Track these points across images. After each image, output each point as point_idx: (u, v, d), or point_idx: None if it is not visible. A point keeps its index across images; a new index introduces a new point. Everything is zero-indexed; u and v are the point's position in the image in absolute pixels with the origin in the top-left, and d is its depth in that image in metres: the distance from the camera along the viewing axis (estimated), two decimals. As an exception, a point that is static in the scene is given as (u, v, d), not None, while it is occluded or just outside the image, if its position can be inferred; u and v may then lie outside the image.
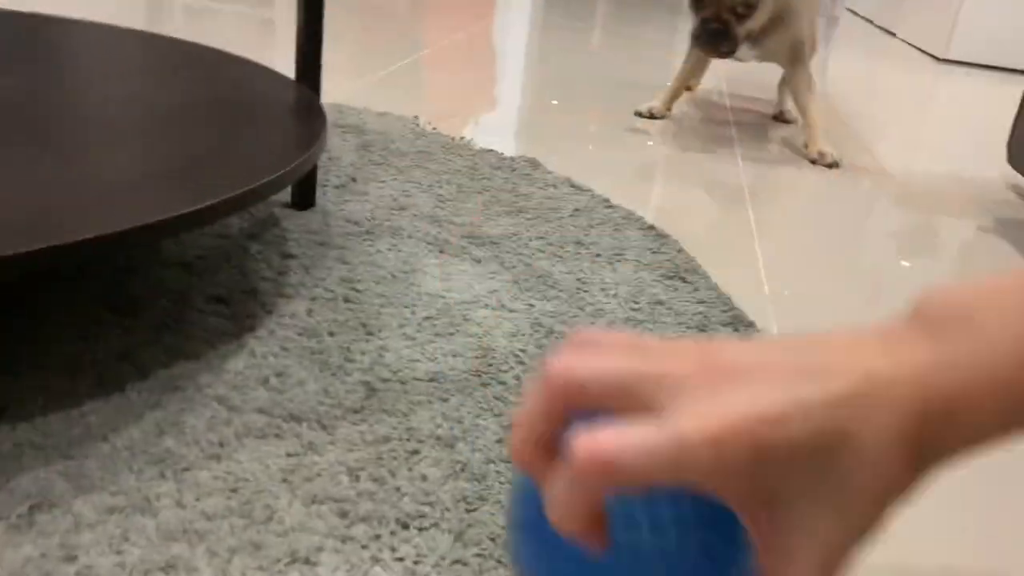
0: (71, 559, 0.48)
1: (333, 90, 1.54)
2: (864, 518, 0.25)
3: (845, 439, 0.24)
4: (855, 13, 4.45)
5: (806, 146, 1.55)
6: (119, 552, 0.49)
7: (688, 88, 1.88)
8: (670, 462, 0.23)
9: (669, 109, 1.67)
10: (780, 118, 1.79)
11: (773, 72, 1.82)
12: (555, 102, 1.74)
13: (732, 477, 0.24)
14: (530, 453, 0.27)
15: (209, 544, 0.51)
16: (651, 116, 1.65)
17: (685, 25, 3.06)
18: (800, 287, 1.01)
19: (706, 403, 0.24)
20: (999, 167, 1.64)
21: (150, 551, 0.49)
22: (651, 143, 1.53)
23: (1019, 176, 1.60)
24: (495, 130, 1.46)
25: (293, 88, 0.94)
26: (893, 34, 3.58)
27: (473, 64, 1.99)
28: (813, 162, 1.52)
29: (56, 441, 0.57)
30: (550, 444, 0.26)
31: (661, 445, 0.23)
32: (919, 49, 3.17)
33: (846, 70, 2.69)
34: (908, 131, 1.99)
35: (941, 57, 2.93)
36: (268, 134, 0.81)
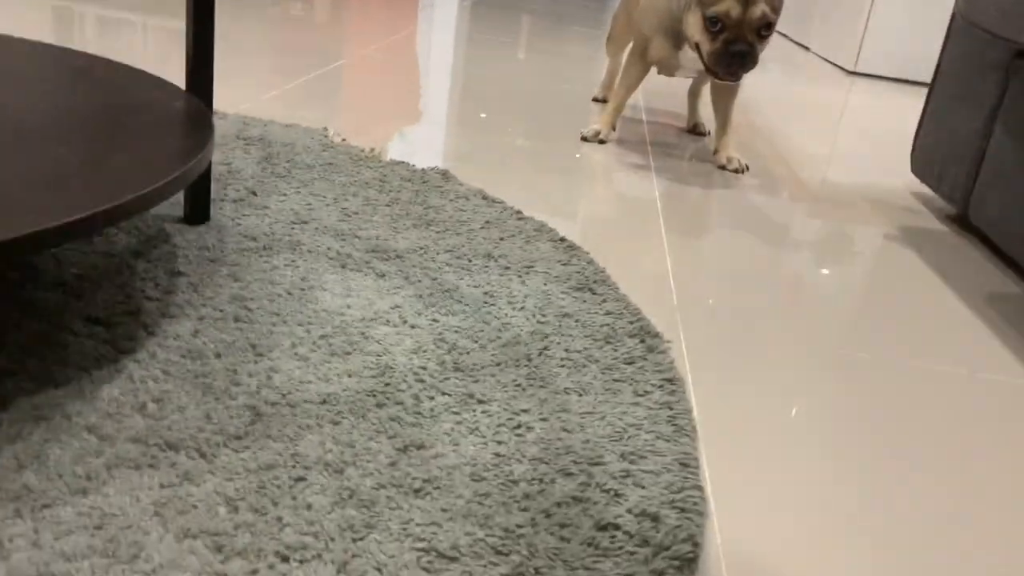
0: (-97, 612, 0.44)
1: (240, 102, 1.49)
2: None
3: None
4: (770, 28, 4.55)
5: (715, 152, 1.57)
6: (-40, 602, 0.45)
7: (697, 131, 1.84)
8: None
9: (613, 129, 1.63)
10: (694, 131, 1.81)
11: (685, 87, 1.84)
12: (483, 115, 1.72)
13: None
14: None
15: (65, 588, 0.46)
16: (599, 141, 1.60)
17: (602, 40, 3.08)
18: (708, 297, 1.01)
19: None
20: (903, 176, 1.69)
21: (-4, 599, 0.45)
22: (573, 155, 1.52)
23: (921, 184, 1.64)
24: (408, 143, 1.43)
25: (182, 97, 0.90)
26: (808, 48, 3.68)
27: (390, 76, 1.96)
28: (722, 167, 1.54)
29: (-102, 480, 0.52)
30: None
31: None
32: (831, 63, 3.27)
33: (763, 82, 2.75)
34: (821, 142, 2.03)
35: (851, 70, 3.02)
36: (152, 144, 0.77)
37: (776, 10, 1.38)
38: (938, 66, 1.51)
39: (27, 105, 0.82)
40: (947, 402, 0.84)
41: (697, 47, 1.42)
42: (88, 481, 0.54)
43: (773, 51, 3.62)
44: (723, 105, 1.58)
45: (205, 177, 0.92)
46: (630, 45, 1.63)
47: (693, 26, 1.41)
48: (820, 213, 1.40)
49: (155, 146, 0.76)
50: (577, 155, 1.52)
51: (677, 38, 1.48)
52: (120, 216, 0.64)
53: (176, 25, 2.13)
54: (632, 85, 1.61)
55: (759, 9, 1.35)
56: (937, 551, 0.62)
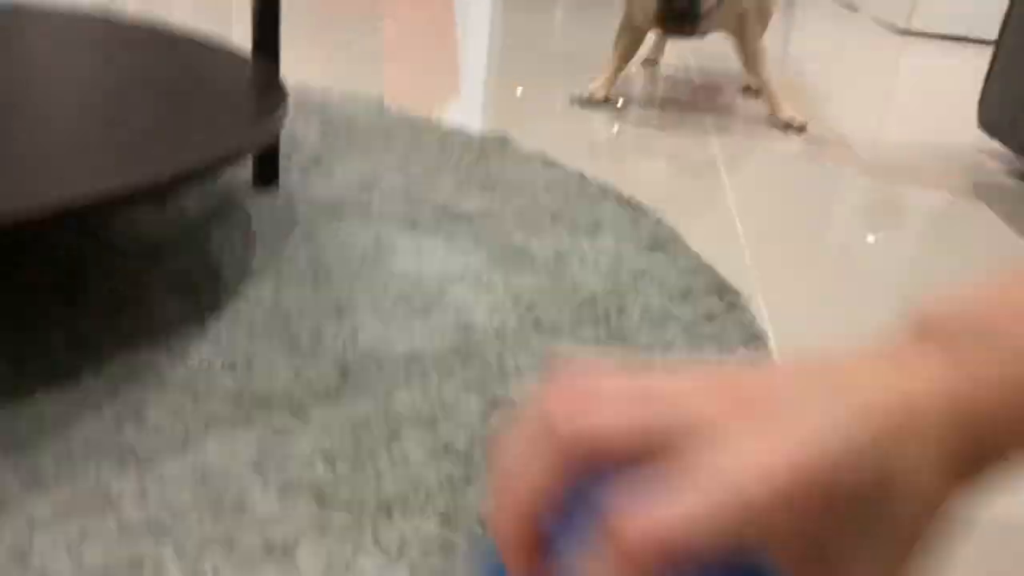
0: (23, 562, 0.44)
1: (293, 70, 1.49)
2: (914, 555, 0.22)
3: (894, 478, 0.21)
4: (816, -10, 4.45)
5: (771, 115, 1.53)
6: (77, 553, 0.45)
7: (654, 62, 1.85)
8: (735, 524, 0.19)
9: (608, 94, 1.57)
10: (749, 90, 1.77)
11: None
12: (520, 89, 1.70)
13: (794, 533, 0.20)
14: (518, 527, 0.22)
15: (177, 539, 0.47)
16: (592, 101, 1.54)
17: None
18: (781, 255, 0.99)
19: (752, 445, 0.20)
20: (969, 133, 1.64)
21: (112, 550, 0.46)
22: (620, 121, 1.50)
23: (990, 140, 1.59)
24: (461, 109, 1.42)
25: (250, 62, 0.89)
26: (856, 9, 3.58)
27: (434, 42, 1.94)
28: (785, 126, 1.50)
29: (5, 436, 0.53)
30: (538, 519, 0.21)
31: (723, 506, 0.19)
32: (882, 22, 3.18)
33: (809, 47, 2.68)
34: (875, 103, 1.98)
35: (904, 29, 2.93)
36: (226, 107, 0.77)
37: None
38: (1010, 7, 1.46)
39: (99, 77, 0.83)
40: None
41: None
42: (187, 437, 0.55)
43: (818, 11, 3.54)
44: (746, 65, 1.55)
45: (274, 143, 0.91)
46: None
47: None
48: (888, 173, 1.37)
49: (232, 108, 0.76)
50: (634, 111, 1.50)
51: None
52: (203, 174, 0.64)
53: None
54: (625, 53, 1.57)
55: None
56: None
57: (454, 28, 2.19)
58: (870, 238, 1.07)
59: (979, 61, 1.63)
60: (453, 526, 0.50)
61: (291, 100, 1.25)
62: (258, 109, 0.77)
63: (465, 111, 1.41)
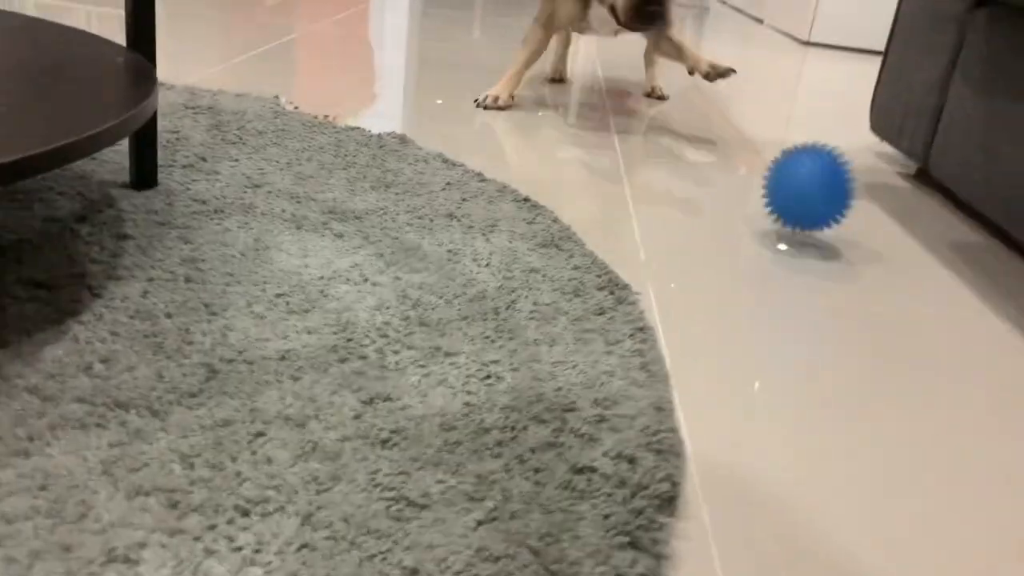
0: None
1: (188, 75, 1.44)
2: None
3: None
4: (724, 3, 4.57)
5: (691, 72, 1.52)
6: None
7: (561, 80, 1.85)
8: None
9: (512, 98, 1.57)
10: (652, 94, 1.79)
11: (639, 54, 1.82)
12: (439, 101, 1.68)
13: None
14: None
15: (7, 550, 0.43)
16: (497, 107, 1.53)
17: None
18: (675, 253, 0.99)
19: None
20: (863, 137, 1.69)
21: (-70, 564, 0.42)
22: (533, 122, 1.49)
23: (881, 143, 1.64)
24: (363, 111, 1.40)
25: (123, 53, 0.85)
26: (761, 21, 3.69)
27: (342, 49, 1.91)
28: (706, 76, 1.49)
29: None
30: None
31: None
32: (785, 34, 3.27)
33: (719, 56, 2.74)
34: (778, 110, 2.03)
35: (805, 40, 3.03)
36: (94, 93, 0.73)
37: None
38: (895, 21, 1.51)
39: (-45, 63, 0.78)
40: (918, 343, 0.83)
41: (611, 6, 1.41)
42: (30, 442, 0.51)
43: (727, 23, 3.62)
44: (669, 39, 1.56)
45: (151, 140, 0.87)
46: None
47: None
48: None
49: (97, 95, 0.72)
50: (540, 114, 1.49)
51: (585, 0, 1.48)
52: (64, 158, 0.60)
53: (113, 12, 2.06)
54: (534, 52, 1.57)
55: None
56: (911, 487, 0.61)
57: (366, 35, 2.16)
58: (764, 234, 1.08)
59: (873, 70, 1.68)
60: (315, 526, 0.47)
61: (180, 101, 1.21)
62: (131, 95, 0.73)
63: (366, 112, 1.38)
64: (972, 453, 0.66)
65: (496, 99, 1.53)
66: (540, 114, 1.56)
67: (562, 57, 1.83)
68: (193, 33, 1.83)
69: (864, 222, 1.19)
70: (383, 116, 1.38)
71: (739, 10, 4.01)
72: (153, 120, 0.87)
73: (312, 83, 1.53)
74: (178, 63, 1.52)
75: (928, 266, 1.05)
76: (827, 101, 2.15)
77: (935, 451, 0.66)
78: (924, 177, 1.44)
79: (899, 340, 0.84)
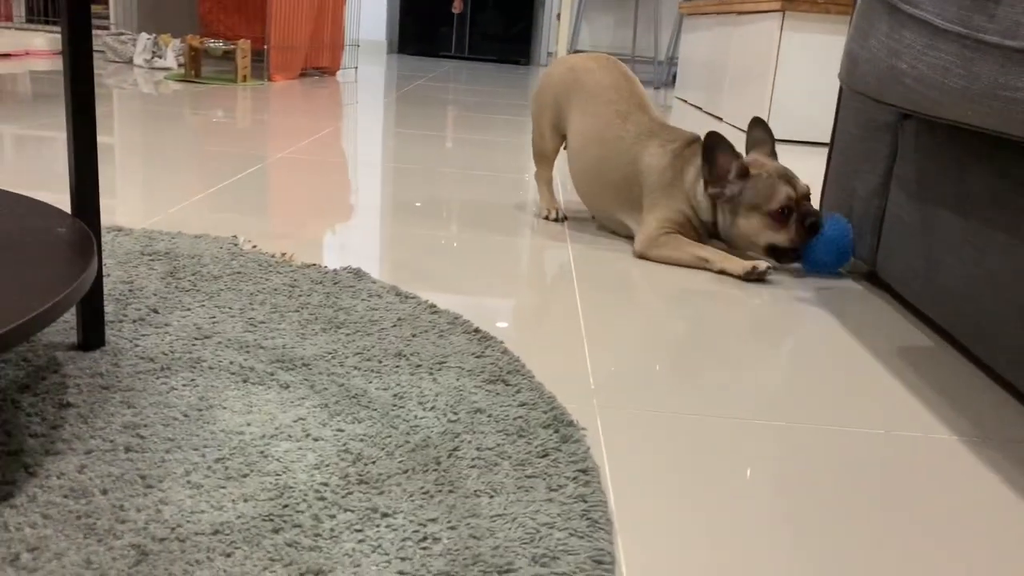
0: None
1: (151, 215, 1.47)
2: None
3: None
4: (685, 101, 4.73)
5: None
6: None
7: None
8: None
9: (556, 211, 1.75)
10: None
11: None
12: (418, 204, 1.72)
13: None
14: None
15: None
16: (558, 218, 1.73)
17: (520, 128, 3.15)
18: (626, 377, 1.00)
19: None
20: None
21: None
22: (494, 243, 1.52)
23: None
24: (323, 244, 1.42)
25: (64, 221, 0.87)
26: (720, 119, 3.81)
27: (310, 177, 1.96)
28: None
29: None
30: None
31: None
32: (742, 130, 3.38)
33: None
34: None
35: (763, 136, 3.13)
36: (28, 273, 0.74)
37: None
38: (835, 129, 1.57)
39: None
40: (867, 465, 0.84)
41: (771, 247, 1.46)
42: (-53, 651, 0.50)
43: (689, 120, 3.74)
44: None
45: (96, 301, 0.89)
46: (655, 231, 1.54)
47: (752, 227, 1.45)
48: (737, 281, 1.42)
49: (33, 274, 0.73)
50: (499, 238, 1.53)
51: (704, 234, 1.55)
52: (-13, 355, 0.61)
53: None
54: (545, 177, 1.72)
55: (802, 183, 1.46)
56: (860, 628, 0.61)
57: (336, 163, 2.21)
58: (718, 349, 1.10)
59: (823, 163, 1.74)
60: None
61: (137, 249, 1.23)
62: (68, 272, 0.75)
63: (326, 246, 1.41)
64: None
65: (548, 215, 1.72)
66: (497, 241, 1.60)
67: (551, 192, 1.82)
68: (159, 168, 1.87)
69: (815, 329, 1.21)
70: (342, 248, 1.41)
71: (699, 108, 4.14)
72: (98, 284, 0.88)
73: (275, 217, 1.57)
74: (138, 204, 1.55)
75: (876, 374, 1.06)
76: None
77: (878, 588, 0.65)
78: (874, 278, 1.47)
79: (852, 468, 0.84)
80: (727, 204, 1.47)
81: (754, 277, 1.41)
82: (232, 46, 3.78)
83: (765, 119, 3.11)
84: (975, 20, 0.91)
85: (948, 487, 0.81)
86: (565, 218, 1.74)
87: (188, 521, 0.63)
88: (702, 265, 1.46)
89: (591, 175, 1.63)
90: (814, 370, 1.07)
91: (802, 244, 1.44)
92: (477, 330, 1.07)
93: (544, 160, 1.77)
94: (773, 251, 1.46)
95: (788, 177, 1.45)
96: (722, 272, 1.44)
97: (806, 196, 1.45)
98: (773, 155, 1.53)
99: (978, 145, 1.08)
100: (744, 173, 1.45)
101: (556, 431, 0.83)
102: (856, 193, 1.44)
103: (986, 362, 1.05)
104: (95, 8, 4.74)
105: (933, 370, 1.09)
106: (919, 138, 1.24)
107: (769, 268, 1.41)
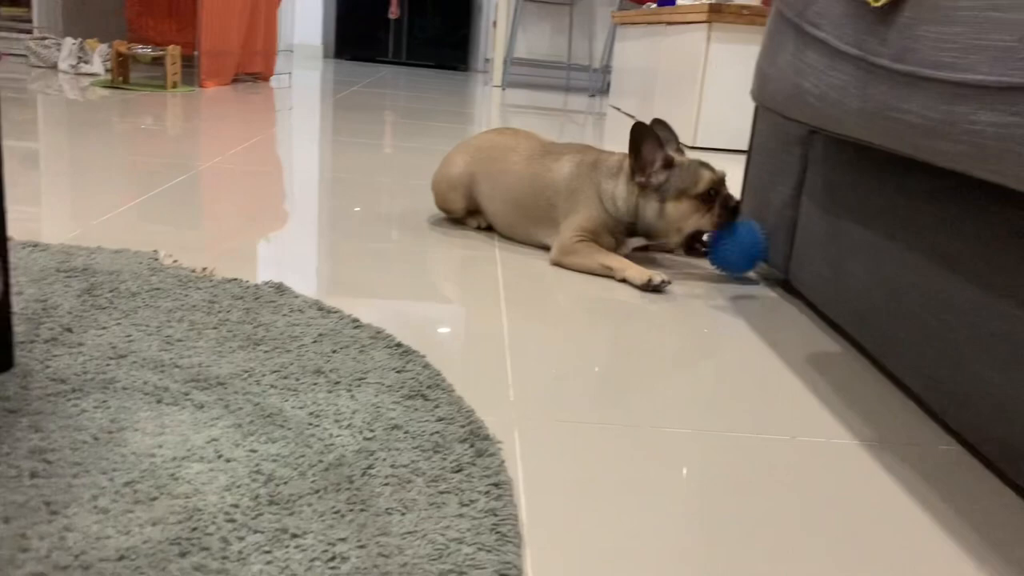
0: None
1: (71, 229, 1.45)
2: None
3: None
4: (619, 109, 4.80)
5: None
6: None
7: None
8: None
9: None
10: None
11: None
12: (357, 208, 1.72)
13: None
14: None
15: None
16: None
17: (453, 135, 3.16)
18: (546, 390, 1.02)
19: None
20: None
21: None
22: (419, 255, 1.53)
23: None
24: (248, 256, 1.42)
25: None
26: (652, 125, 3.88)
27: (240, 185, 1.94)
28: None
29: None
30: None
31: None
32: (674, 138, 3.45)
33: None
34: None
35: (691, 145, 3.19)
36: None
37: None
38: (751, 141, 1.62)
39: None
40: (773, 470, 0.87)
41: (688, 229, 1.51)
42: None
43: (623, 129, 3.79)
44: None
45: (4, 325, 0.87)
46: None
47: (680, 212, 1.50)
48: (657, 294, 1.45)
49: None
50: (427, 251, 1.54)
51: (620, 234, 1.57)
52: None
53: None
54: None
55: (720, 169, 1.52)
56: (753, 631, 0.63)
57: (267, 170, 2.19)
58: (637, 359, 1.12)
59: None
60: None
61: (52, 266, 1.21)
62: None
63: (250, 259, 1.40)
64: (808, 590, 0.69)
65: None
66: (427, 252, 1.61)
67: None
68: (82, 178, 1.83)
69: (730, 337, 1.25)
70: (266, 261, 1.40)
71: (632, 115, 4.21)
72: (5, 304, 0.87)
73: (201, 229, 1.55)
74: (61, 215, 1.52)
75: (785, 380, 1.10)
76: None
77: (772, 592, 0.68)
78: (788, 286, 1.52)
79: (759, 474, 0.87)
80: (654, 193, 1.50)
81: (650, 288, 1.44)
82: (161, 52, 3.71)
83: (694, 128, 3.19)
84: (869, 44, 0.95)
85: (846, 490, 0.85)
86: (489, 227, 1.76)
87: (93, 548, 0.63)
88: (608, 273, 1.50)
89: (512, 217, 1.67)
90: (726, 378, 1.11)
91: (723, 226, 1.49)
92: (399, 344, 1.08)
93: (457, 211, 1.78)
94: (694, 239, 1.53)
95: (707, 164, 1.52)
96: (624, 280, 1.48)
97: (723, 182, 1.53)
98: (680, 152, 1.57)
99: (877, 160, 1.13)
100: (669, 163, 1.51)
101: (472, 445, 0.84)
102: (771, 203, 1.49)
103: (887, 367, 1.10)
104: (16, 11, 4.60)
105: (839, 376, 1.14)
106: (826, 152, 1.29)
107: (664, 281, 1.45)
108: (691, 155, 1.58)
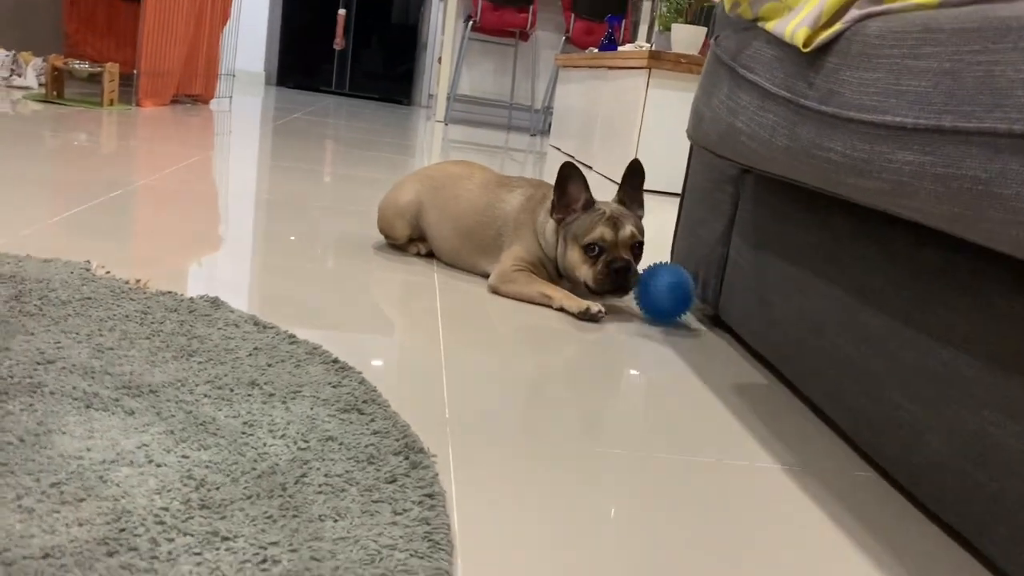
0: None
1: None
2: None
3: None
4: (559, 150, 4.89)
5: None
6: None
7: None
8: None
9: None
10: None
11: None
12: (293, 237, 1.71)
13: None
14: None
15: None
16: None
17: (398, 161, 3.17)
18: (481, 408, 1.03)
19: None
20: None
21: None
22: (359, 275, 1.54)
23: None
24: (182, 272, 1.40)
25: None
26: (591, 167, 3.96)
27: (174, 204, 1.92)
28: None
29: None
30: None
31: None
32: (611, 179, 3.53)
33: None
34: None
35: (629, 185, 3.27)
36: None
37: (641, 232, 1.52)
38: (686, 180, 1.68)
39: None
40: (699, 491, 0.90)
41: (580, 276, 1.52)
42: None
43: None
44: None
45: (-72, 321, 0.85)
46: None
47: (572, 259, 1.52)
48: (592, 324, 1.48)
49: None
50: (368, 270, 1.54)
51: (554, 270, 1.59)
52: None
53: (-70, 158, 1.99)
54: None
55: (628, 230, 1.49)
56: (676, 638, 0.65)
57: (203, 191, 2.17)
58: (571, 382, 1.15)
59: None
60: None
61: (-24, 269, 1.18)
62: None
63: (184, 274, 1.39)
64: (730, 600, 0.71)
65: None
66: (367, 275, 1.61)
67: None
68: (8, 190, 1.79)
69: (658, 367, 1.28)
70: (201, 276, 1.39)
71: (571, 156, 4.29)
72: (-69, 303, 0.84)
73: (134, 244, 1.53)
74: (-14, 225, 1.48)
75: (713, 408, 1.14)
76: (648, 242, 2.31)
77: (696, 601, 0.70)
78: (718, 321, 1.57)
79: (685, 494, 0.90)
80: (565, 234, 1.53)
81: (587, 317, 1.47)
82: (99, 68, 3.65)
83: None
84: (798, 86, 1.01)
85: (768, 509, 0.88)
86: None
87: (16, 546, 0.62)
88: (545, 302, 1.53)
89: (458, 244, 1.69)
90: (656, 404, 1.14)
91: (605, 286, 1.49)
92: (336, 360, 1.08)
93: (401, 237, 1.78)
94: (586, 285, 1.52)
95: (616, 220, 1.49)
96: (561, 310, 1.50)
97: (630, 244, 1.49)
98: (637, 189, 1.58)
99: (804, 198, 1.19)
100: (588, 206, 1.52)
101: (406, 458, 0.85)
102: (703, 240, 1.54)
103: (810, 397, 1.14)
104: (-52, 20, 4.48)
105: (764, 405, 1.18)
106: (756, 190, 1.35)
107: (601, 311, 1.48)
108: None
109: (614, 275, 1.48)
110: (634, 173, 1.58)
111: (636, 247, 1.51)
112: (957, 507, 0.82)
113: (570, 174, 1.52)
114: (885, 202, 0.83)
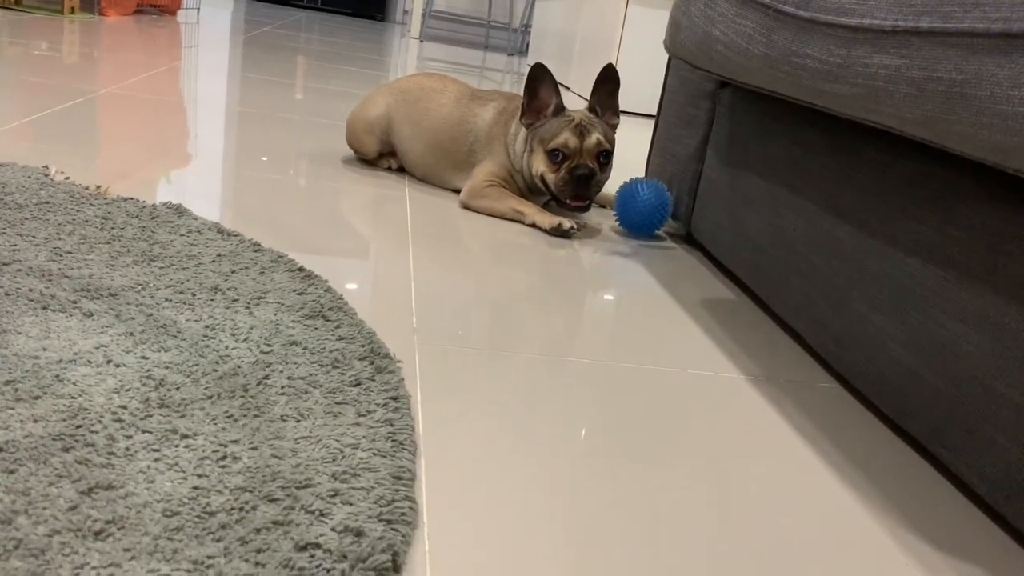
0: None
1: (-53, 141, 1.36)
2: None
3: None
4: (537, 68, 4.78)
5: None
6: None
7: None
8: None
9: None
10: None
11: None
12: (264, 159, 1.67)
13: None
14: None
15: None
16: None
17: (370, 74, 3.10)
18: (448, 319, 1.02)
19: None
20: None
21: None
22: (331, 188, 1.51)
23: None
24: (145, 179, 1.36)
25: None
26: (568, 87, 3.89)
27: (138, 113, 1.86)
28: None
29: None
30: None
31: None
32: (585, 98, 3.47)
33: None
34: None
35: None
36: None
37: (611, 141, 1.48)
38: (662, 97, 1.65)
39: None
40: (662, 399, 0.90)
41: (544, 182, 1.49)
42: None
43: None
44: None
45: None
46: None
47: (536, 163, 1.49)
48: (565, 239, 1.47)
49: None
50: (337, 183, 1.51)
51: (524, 185, 1.57)
52: None
53: None
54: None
55: (594, 138, 1.45)
56: (654, 549, 0.66)
57: (169, 101, 2.11)
58: (539, 296, 1.14)
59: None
60: (3, 632, 0.46)
61: (-73, 171, 1.14)
62: None
63: (148, 181, 1.35)
64: (730, 517, 0.72)
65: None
66: (336, 187, 1.58)
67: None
68: (-37, 95, 1.72)
69: (628, 282, 1.28)
70: (168, 185, 1.35)
71: (549, 75, 4.20)
72: None
73: (95, 151, 1.48)
74: (-61, 129, 1.43)
75: (681, 321, 1.14)
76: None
77: (694, 523, 0.71)
78: (690, 239, 1.57)
79: (650, 401, 0.90)
80: (531, 138, 1.50)
81: (559, 233, 1.46)
82: (58, -26, 3.50)
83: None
84: (777, -8, 0.98)
85: (731, 417, 0.89)
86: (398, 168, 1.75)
87: (-32, 440, 0.61)
88: (517, 217, 1.51)
89: (430, 159, 1.65)
90: (624, 318, 1.14)
91: (567, 193, 1.46)
92: (301, 268, 1.06)
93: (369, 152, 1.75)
94: (548, 190, 1.49)
95: (583, 127, 1.46)
96: (533, 225, 1.49)
97: (595, 152, 1.46)
98: (612, 95, 1.54)
99: (779, 112, 1.17)
100: (559, 111, 1.49)
101: (371, 363, 0.84)
102: (677, 157, 1.52)
103: (777, 312, 1.14)
104: None
105: (731, 319, 1.18)
106: (732, 105, 1.33)
107: (573, 227, 1.46)
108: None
109: (575, 181, 1.45)
110: (607, 78, 1.53)
111: (602, 155, 1.48)
112: (916, 415, 0.83)
113: (540, 76, 1.48)
114: (858, 108, 0.82)
